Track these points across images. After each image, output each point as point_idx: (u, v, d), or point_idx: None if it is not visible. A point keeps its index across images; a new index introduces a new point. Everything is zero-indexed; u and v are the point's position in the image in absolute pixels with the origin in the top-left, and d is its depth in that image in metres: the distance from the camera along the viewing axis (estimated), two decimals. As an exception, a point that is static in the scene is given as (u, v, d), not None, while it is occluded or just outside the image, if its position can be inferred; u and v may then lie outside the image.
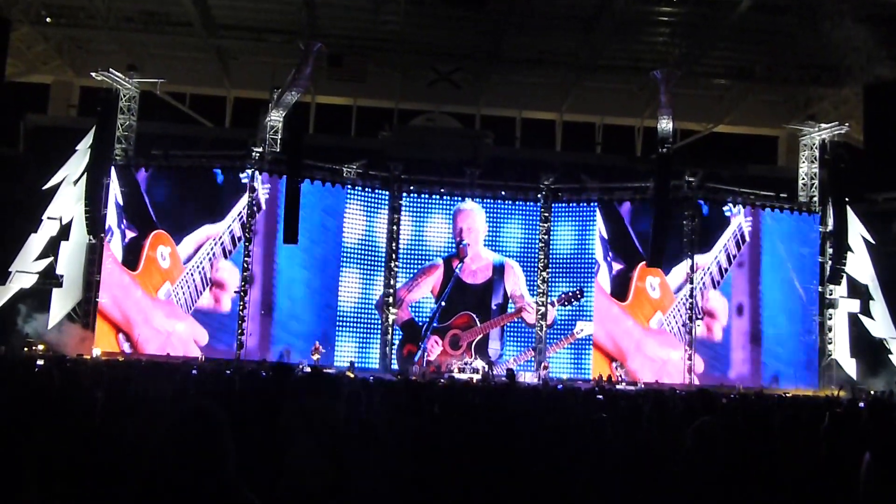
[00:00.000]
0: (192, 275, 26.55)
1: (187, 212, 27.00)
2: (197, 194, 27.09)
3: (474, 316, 28.37)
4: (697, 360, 27.59)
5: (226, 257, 26.59)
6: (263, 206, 26.74)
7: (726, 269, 28.22)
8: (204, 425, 2.78)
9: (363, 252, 28.28)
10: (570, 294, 28.13)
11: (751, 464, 4.81)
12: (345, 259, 27.87)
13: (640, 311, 28.01)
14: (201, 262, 26.61)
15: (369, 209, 28.53)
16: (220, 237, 26.66)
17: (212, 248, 26.65)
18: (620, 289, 28.16)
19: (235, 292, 26.18)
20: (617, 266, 28.30)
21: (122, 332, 26.53)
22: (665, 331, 27.85)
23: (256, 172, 26.69)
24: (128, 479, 2.99)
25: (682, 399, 10.97)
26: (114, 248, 26.94)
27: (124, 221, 27.02)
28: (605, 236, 28.54)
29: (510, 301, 28.82)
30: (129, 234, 26.92)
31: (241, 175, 26.67)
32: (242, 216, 26.56)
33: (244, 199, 26.59)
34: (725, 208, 28.37)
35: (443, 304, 28.14)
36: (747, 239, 28.42)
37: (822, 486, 4.93)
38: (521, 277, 28.98)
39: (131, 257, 26.76)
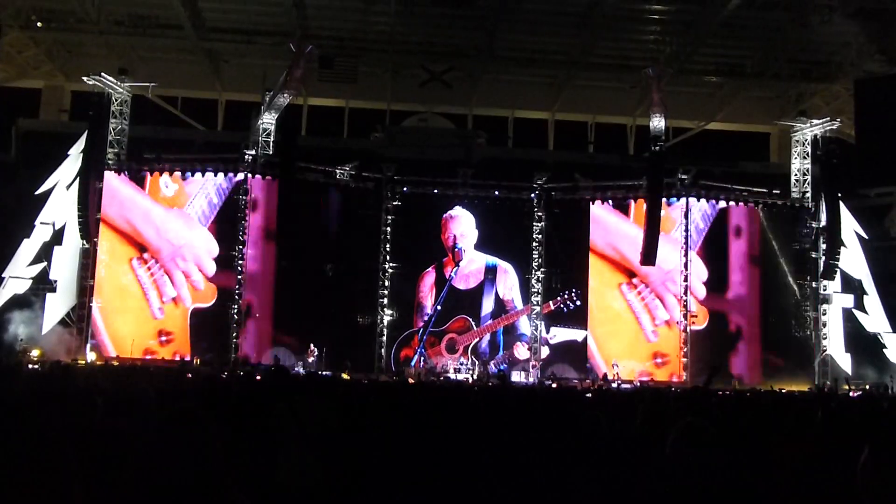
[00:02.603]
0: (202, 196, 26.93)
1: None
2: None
3: (470, 319, 28.33)
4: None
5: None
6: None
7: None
8: (190, 428, 2.78)
9: (356, 253, 28.22)
10: (565, 297, 28.12)
11: (742, 465, 4.73)
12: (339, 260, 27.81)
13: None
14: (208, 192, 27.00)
15: (362, 210, 28.47)
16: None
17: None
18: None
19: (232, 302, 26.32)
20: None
21: (136, 244, 26.54)
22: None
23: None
24: (121, 482, 2.99)
25: (678, 397, 11.01)
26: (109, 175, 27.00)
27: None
28: None
29: (504, 306, 28.75)
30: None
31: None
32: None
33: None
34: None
35: (438, 308, 28.08)
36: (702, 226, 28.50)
37: (819, 482, 4.93)
38: (515, 282, 28.92)
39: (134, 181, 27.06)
